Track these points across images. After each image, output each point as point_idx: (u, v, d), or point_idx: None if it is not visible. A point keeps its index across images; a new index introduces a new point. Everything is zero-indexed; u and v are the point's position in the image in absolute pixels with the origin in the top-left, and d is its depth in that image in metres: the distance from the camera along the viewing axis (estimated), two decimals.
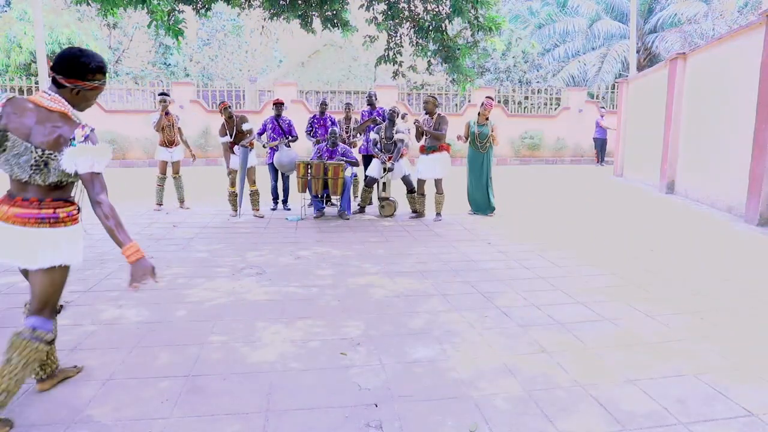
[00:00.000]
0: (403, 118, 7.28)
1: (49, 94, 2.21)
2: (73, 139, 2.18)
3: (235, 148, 7.31)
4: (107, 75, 2.36)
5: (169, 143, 7.93)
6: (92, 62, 2.25)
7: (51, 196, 2.25)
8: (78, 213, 2.35)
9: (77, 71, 2.22)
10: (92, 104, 2.39)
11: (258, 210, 7.56)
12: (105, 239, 5.88)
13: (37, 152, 2.16)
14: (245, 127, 7.30)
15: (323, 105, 8.18)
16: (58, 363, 2.61)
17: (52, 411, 2.36)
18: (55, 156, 2.18)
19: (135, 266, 2.17)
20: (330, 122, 8.18)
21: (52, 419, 2.29)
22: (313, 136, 8.15)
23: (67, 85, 2.22)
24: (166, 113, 7.85)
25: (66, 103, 2.23)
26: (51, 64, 2.26)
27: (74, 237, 2.31)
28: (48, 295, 2.33)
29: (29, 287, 2.33)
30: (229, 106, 7.27)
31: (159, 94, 7.87)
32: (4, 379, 2.14)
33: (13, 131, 2.16)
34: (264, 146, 7.67)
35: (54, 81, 2.23)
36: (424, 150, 7.34)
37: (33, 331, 2.26)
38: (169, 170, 8.04)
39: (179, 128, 8.06)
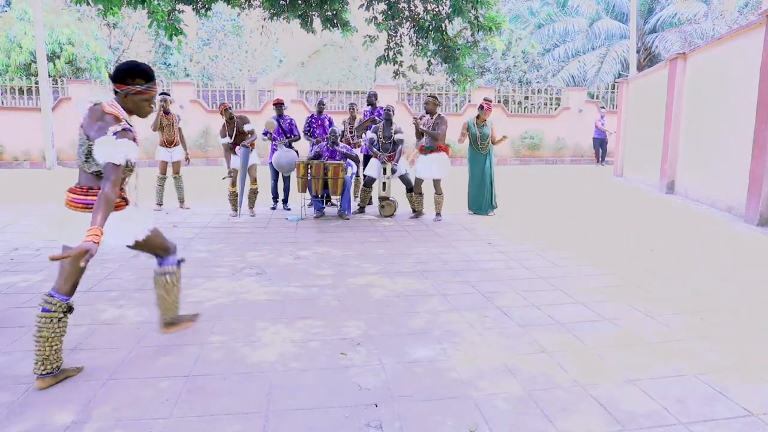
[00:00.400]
0: (421, 119, 7.31)
1: (111, 101, 2.61)
2: (106, 133, 2.48)
3: (237, 148, 7.33)
4: (152, 81, 2.62)
5: (168, 143, 7.93)
6: (134, 68, 2.60)
7: (98, 185, 2.57)
8: (123, 202, 2.69)
9: (121, 77, 2.58)
10: (146, 109, 2.67)
11: (252, 208, 7.58)
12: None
13: (87, 143, 2.56)
14: (246, 128, 7.32)
15: (320, 105, 8.20)
16: (61, 362, 2.62)
17: (53, 411, 2.36)
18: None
19: (82, 244, 2.29)
20: (328, 122, 8.19)
21: (52, 419, 2.29)
22: (311, 136, 8.16)
23: (118, 90, 2.60)
24: (167, 113, 7.85)
25: (119, 107, 2.59)
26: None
27: (118, 222, 2.63)
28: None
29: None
30: (230, 107, 7.29)
31: (159, 94, 7.86)
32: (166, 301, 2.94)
33: (83, 128, 2.60)
34: (265, 135, 7.69)
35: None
36: (423, 150, 7.34)
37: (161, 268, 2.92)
38: (170, 170, 8.04)
39: (179, 128, 8.06)
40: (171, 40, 6.50)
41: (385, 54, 8.55)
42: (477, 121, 7.67)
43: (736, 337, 3.28)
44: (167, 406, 2.41)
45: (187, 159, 8.17)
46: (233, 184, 7.45)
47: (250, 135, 7.33)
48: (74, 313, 3.54)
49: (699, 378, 2.72)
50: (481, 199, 7.79)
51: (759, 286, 4.35)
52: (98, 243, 2.33)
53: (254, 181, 7.47)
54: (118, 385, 2.60)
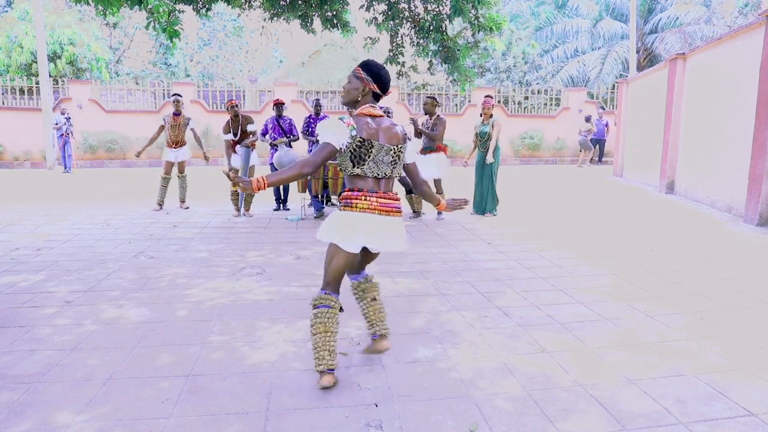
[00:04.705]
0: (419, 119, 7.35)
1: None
2: (406, 134, 2.73)
3: (237, 147, 7.37)
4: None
5: (174, 144, 7.94)
6: None
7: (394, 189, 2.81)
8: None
9: None
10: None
11: (248, 210, 7.59)
12: (105, 239, 5.88)
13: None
14: (250, 128, 7.39)
15: (317, 105, 8.23)
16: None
17: (53, 411, 2.36)
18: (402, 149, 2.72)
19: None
20: None
21: (52, 419, 2.30)
22: (311, 135, 8.18)
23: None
24: (176, 114, 7.88)
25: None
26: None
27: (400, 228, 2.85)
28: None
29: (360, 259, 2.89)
30: (237, 105, 7.35)
31: (172, 95, 7.94)
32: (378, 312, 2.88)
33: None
34: (270, 143, 7.74)
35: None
36: (422, 150, 7.35)
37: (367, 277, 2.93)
38: (174, 170, 8.07)
39: (192, 129, 8.01)
40: (171, 41, 6.51)
41: (390, 55, 8.56)
42: (483, 119, 7.68)
43: (736, 337, 3.28)
44: (167, 406, 2.41)
45: (206, 158, 8.02)
46: (234, 183, 7.46)
47: (252, 135, 7.40)
48: (75, 313, 3.56)
49: (699, 378, 2.72)
50: (481, 199, 7.79)
51: (758, 285, 4.35)
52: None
53: None
54: (118, 385, 2.60)
